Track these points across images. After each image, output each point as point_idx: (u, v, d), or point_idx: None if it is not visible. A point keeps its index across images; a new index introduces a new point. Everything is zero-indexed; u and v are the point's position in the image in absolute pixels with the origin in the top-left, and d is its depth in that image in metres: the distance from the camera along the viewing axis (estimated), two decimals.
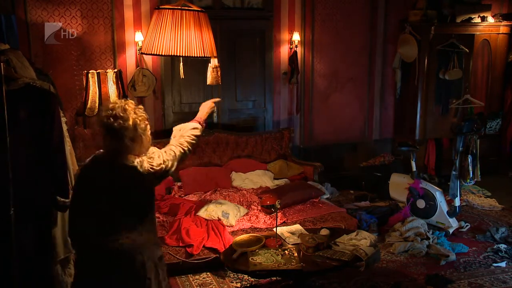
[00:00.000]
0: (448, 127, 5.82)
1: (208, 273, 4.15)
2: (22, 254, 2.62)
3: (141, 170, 2.37)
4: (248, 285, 4.00)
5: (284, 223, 4.41)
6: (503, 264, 4.34)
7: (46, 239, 2.87)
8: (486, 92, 6.80)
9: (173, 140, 2.69)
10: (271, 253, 3.47)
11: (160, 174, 2.45)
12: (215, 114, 5.65)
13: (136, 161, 2.38)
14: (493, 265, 4.34)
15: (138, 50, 5.36)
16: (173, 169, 2.52)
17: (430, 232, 4.82)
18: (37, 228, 2.76)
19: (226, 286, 3.98)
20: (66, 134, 3.08)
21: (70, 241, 2.45)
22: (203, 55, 4.29)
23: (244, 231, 4.32)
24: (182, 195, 5.00)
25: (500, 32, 6.61)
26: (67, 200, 2.95)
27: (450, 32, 6.28)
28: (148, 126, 2.46)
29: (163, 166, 2.46)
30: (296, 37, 6.05)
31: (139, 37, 5.35)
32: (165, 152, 2.53)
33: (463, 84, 6.46)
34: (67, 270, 3.29)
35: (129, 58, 5.47)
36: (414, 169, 5.24)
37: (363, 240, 3.68)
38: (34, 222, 2.74)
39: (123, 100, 2.42)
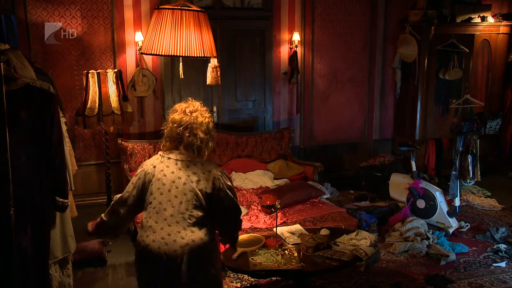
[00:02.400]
0: (448, 127, 5.82)
1: None
2: (20, 254, 2.62)
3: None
4: (248, 285, 4.00)
5: (284, 223, 4.41)
6: (503, 264, 4.34)
7: (44, 239, 2.86)
8: (486, 92, 6.80)
9: None
10: (271, 253, 3.47)
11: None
12: (215, 114, 5.63)
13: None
14: (493, 265, 4.34)
15: (138, 50, 5.36)
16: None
17: (430, 232, 4.82)
18: (36, 228, 2.76)
19: (226, 286, 3.97)
20: (65, 134, 3.08)
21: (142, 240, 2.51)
22: (203, 55, 4.30)
23: (244, 231, 4.31)
24: None
25: (500, 32, 6.61)
26: (66, 201, 2.94)
27: (450, 32, 6.28)
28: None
29: None
30: (296, 37, 6.05)
31: (139, 37, 5.35)
32: None
33: (463, 84, 6.46)
34: (65, 270, 3.29)
35: (129, 58, 5.47)
36: (414, 169, 5.24)
37: (363, 240, 3.68)
38: (33, 222, 2.74)
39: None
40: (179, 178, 2.51)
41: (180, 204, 2.48)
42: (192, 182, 2.50)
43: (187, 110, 2.57)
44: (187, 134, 2.53)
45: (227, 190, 2.55)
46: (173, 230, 2.45)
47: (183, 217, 2.47)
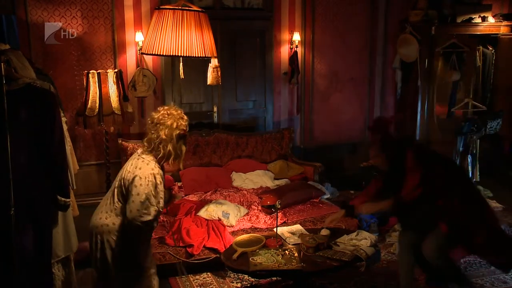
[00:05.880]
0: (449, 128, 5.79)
1: (208, 273, 4.15)
2: (21, 254, 2.62)
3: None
4: (248, 285, 4.00)
5: (285, 223, 4.41)
6: None
7: (46, 239, 2.87)
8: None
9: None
10: (271, 253, 3.48)
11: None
12: (215, 114, 5.67)
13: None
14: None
15: (139, 50, 5.36)
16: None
17: None
18: (37, 228, 2.76)
19: (226, 286, 3.98)
20: (66, 134, 3.09)
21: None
22: (203, 55, 4.29)
23: (245, 231, 4.32)
24: (183, 195, 5.01)
25: (501, 32, 6.60)
26: (67, 200, 2.95)
27: (451, 32, 6.27)
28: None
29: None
30: (297, 37, 6.05)
31: (139, 37, 5.35)
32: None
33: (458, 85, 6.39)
34: (67, 269, 3.30)
35: (130, 58, 5.48)
36: None
37: (363, 240, 3.69)
38: (34, 222, 2.74)
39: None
40: (124, 167, 2.80)
41: (109, 191, 2.84)
42: (125, 171, 2.75)
43: (163, 110, 2.76)
44: (152, 131, 2.73)
45: (135, 193, 2.66)
46: (97, 211, 2.83)
47: (105, 203, 2.81)
